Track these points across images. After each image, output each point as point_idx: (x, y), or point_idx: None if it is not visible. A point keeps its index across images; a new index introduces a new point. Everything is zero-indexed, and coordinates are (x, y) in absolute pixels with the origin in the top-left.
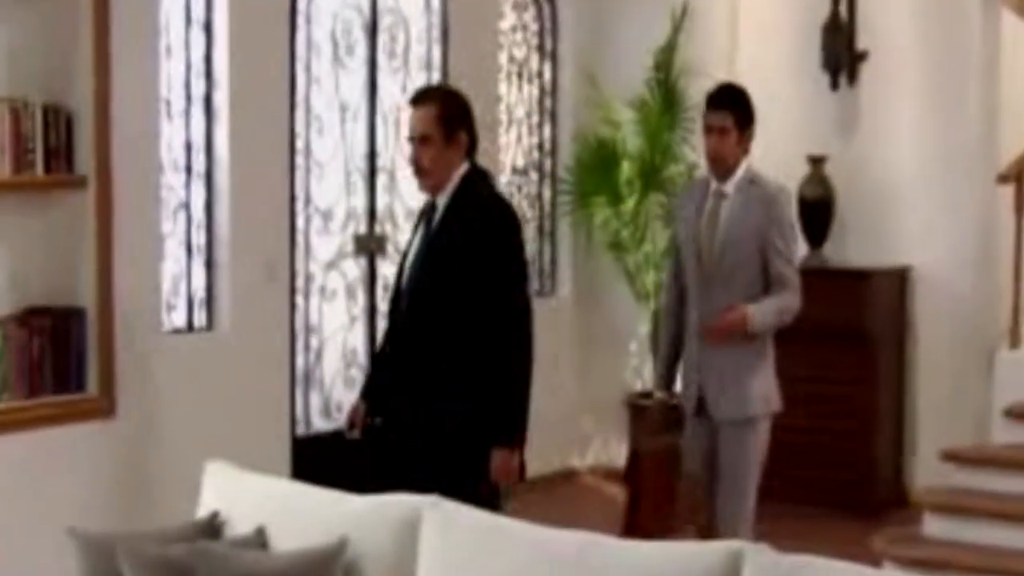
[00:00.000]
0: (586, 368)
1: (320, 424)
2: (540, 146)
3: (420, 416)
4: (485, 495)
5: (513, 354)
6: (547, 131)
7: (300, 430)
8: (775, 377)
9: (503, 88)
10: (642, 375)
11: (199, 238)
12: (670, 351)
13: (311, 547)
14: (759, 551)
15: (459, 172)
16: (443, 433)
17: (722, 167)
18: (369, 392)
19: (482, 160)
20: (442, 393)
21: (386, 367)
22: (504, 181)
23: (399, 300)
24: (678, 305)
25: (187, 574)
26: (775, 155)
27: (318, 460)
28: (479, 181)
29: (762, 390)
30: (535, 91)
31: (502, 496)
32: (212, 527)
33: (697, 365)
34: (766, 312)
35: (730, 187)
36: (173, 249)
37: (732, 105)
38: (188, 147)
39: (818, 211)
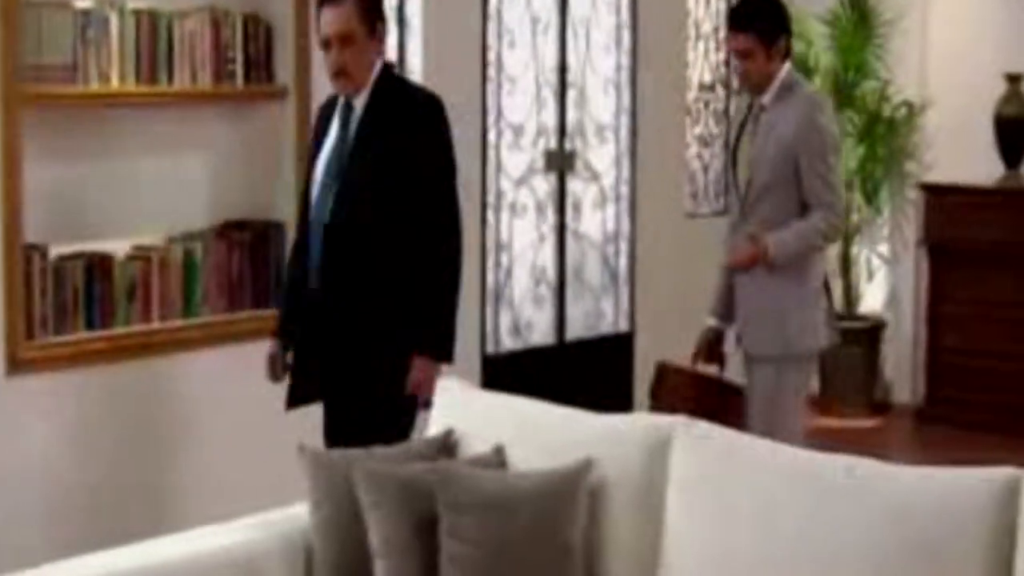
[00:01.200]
0: None
1: (509, 343)
2: (727, 61)
3: (343, 331)
4: (403, 406)
5: (443, 261)
6: None
7: (490, 348)
8: (820, 309)
9: (691, 2)
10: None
11: None
12: (725, 279)
13: (555, 467)
14: None
15: (377, 69)
16: (365, 343)
17: (755, 88)
18: (285, 328)
19: (670, 75)
20: (368, 303)
21: (305, 285)
22: (691, 97)
23: (307, 213)
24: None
25: (427, 493)
26: (970, 73)
27: (507, 379)
28: (396, 74)
29: (797, 326)
30: (722, 5)
31: (423, 409)
32: (446, 445)
33: (736, 295)
34: (786, 241)
35: (768, 99)
36: None
37: (751, 25)
38: None
39: (1015, 130)
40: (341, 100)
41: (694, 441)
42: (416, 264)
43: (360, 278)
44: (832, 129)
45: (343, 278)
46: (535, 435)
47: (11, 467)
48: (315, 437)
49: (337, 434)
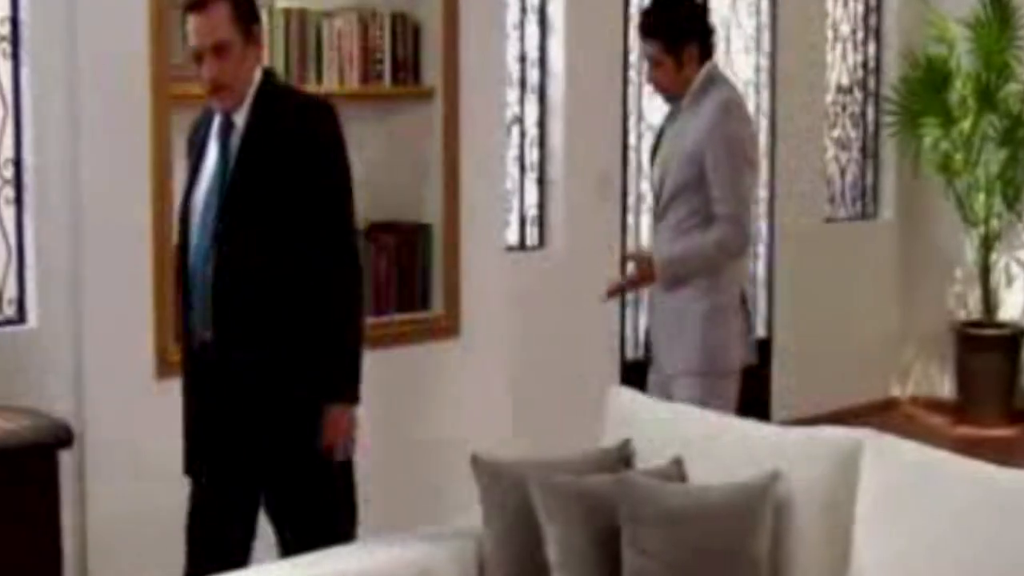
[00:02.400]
0: (909, 294)
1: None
2: (864, 64)
3: (248, 387)
4: (332, 464)
5: (344, 291)
6: (871, 49)
7: (629, 353)
8: (735, 326)
9: (828, 4)
10: (966, 303)
11: (532, 154)
12: None
13: (739, 481)
14: None
15: (257, 77)
16: (274, 398)
17: (669, 95)
18: None
19: (809, 78)
20: (271, 350)
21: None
22: (828, 100)
23: (187, 242)
24: None
25: (608, 505)
26: None
27: (645, 385)
28: (279, 81)
29: (710, 343)
30: (860, 7)
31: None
32: (623, 456)
33: (649, 310)
34: (674, 260)
35: (685, 102)
36: (506, 165)
37: (655, 31)
38: (522, 60)
39: None
40: (219, 117)
41: (884, 454)
42: (315, 298)
43: (257, 322)
44: (742, 136)
45: (237, 325)
46: (713, 447)
47: (161, 467)
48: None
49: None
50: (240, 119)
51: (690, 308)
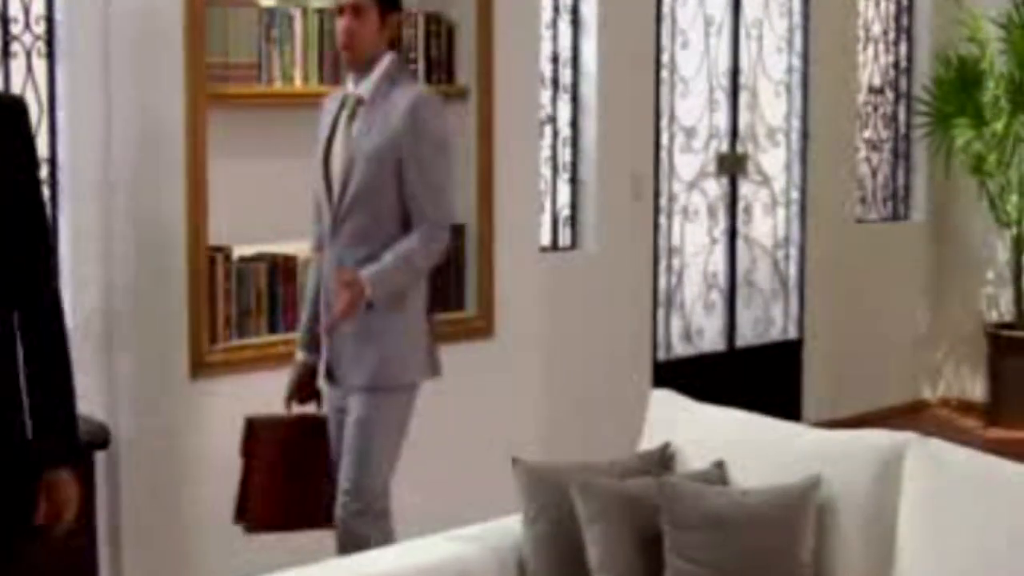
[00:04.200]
0: (940, 296)
1: (680, 349)
2: (896, 64)
3: None
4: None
5: (55, 341)
6: (903, 49)
7: (660, 354)
8: (419, 339)
9: (860, 5)
10: (998, 304)
11: (564, 154)
12: (315, 306)
13: (781, 484)
14: None
15: None
16: None
17: (356, 57)
18: None
19: (841, 78)
20: None
21: None
22: (860, 100)
23: None
24: (318, 249)
25: (650, 508)
26: None
27: (678, 386)
28: None
29: (386, 358)
30: (892, 8)
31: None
32: (663, 459)
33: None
34: (384, 276)
35: (366, 89)
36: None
37: None
38: (555, 60)
39: None
40: None
41: (929, 459)
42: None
43: None
44: (440, 132)
45: None
46: (755, 449)
47: (195, 468)
48: (513, 448)
49: None
50: None
51: (374, 323)
